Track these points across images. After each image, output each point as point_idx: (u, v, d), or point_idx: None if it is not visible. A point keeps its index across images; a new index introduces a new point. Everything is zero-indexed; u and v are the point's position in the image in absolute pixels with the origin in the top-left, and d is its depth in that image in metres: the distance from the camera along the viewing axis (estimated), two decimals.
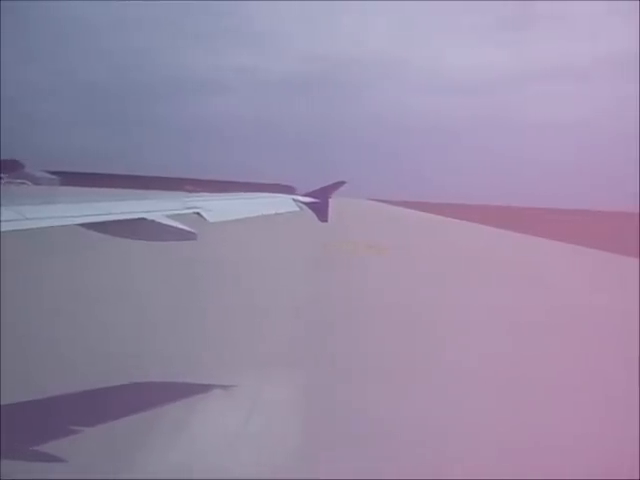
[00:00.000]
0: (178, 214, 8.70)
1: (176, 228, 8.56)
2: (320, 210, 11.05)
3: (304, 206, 10.82)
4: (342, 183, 11.13)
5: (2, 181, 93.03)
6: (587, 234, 58.33)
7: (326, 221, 11.24)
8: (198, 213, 8.86)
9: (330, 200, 11.05)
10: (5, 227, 6.76)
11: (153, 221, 8.31)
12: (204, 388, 11.00)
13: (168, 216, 8.53)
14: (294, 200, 10.66)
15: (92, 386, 10.83)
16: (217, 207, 9.38)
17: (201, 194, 10.33)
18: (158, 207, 8.70)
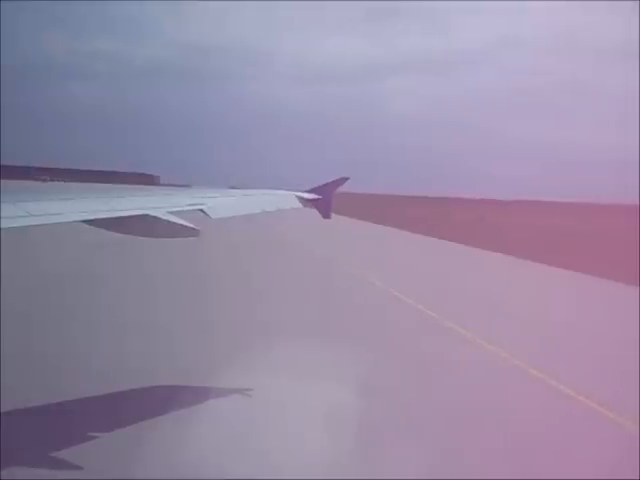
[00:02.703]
0: (181, 211, 8.71)
1: (180, 225, 8.57)
2: (323, 207, 11.03)
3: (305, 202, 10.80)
4: (345, 179, 11.11)
5: None
6: (441, 221, 66.73)
7: (329, 218, 11.20)
8: (201, 210, 8.87)
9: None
10: (9, 224, 6.78)
11: (156, 218, 8.31)
12: (209, 392, 10.72)
13: (171, 213, 8.53)
14: (297, 197, 10.65)
15: (99, 387, 10.65)
16: (220, 204, 9.39)
17: (205, 191, 10.31)
18: (161, 204, 8.70)
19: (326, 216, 11.09)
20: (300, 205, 10.58)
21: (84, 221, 7.84)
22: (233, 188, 12.22)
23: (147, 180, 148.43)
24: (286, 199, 10.63)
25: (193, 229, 8.66)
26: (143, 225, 8.38)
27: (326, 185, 11.03)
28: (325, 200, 10.96)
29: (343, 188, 11.12)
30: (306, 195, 10.81)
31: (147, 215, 8.26)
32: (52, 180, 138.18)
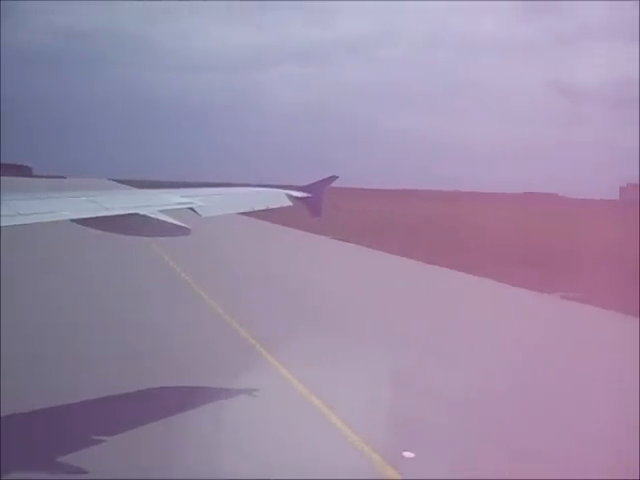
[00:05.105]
0: (171, 209, 8.69)
1: (170, 224, 8.54)
2: (313, 205, 11.00)
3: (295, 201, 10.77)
4: (335, 178, 11.09)
5: None
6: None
7: (319, 216, 11.17)
8: (191, 208, 8.85)
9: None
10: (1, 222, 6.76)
11: (146, 216, 8.28)
12: (208, 391, 10.71)
13: (161, 211, 8.51)
14: (287, 195, 10.62)
15: (96, 387, 10.62)
16: (210, 202, 9.36)
17: (194, 189, 10.28)
18: (151, 202, 8.68)
19: (316, 214, 11.05)
20: (290, 203, 10.54)
21: (74, 220, 7.83)
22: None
23: (19, 171, 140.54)
24: (276, 197, 10.59)
25: (183, 228, 8.63)
26: (133, 224, 8.36)
27: (316, 183, 11.00)
28: (315, 198, 10.93)
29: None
30: (296, 193, 10.77)
31: (137, 214, 8.24)
32: None
